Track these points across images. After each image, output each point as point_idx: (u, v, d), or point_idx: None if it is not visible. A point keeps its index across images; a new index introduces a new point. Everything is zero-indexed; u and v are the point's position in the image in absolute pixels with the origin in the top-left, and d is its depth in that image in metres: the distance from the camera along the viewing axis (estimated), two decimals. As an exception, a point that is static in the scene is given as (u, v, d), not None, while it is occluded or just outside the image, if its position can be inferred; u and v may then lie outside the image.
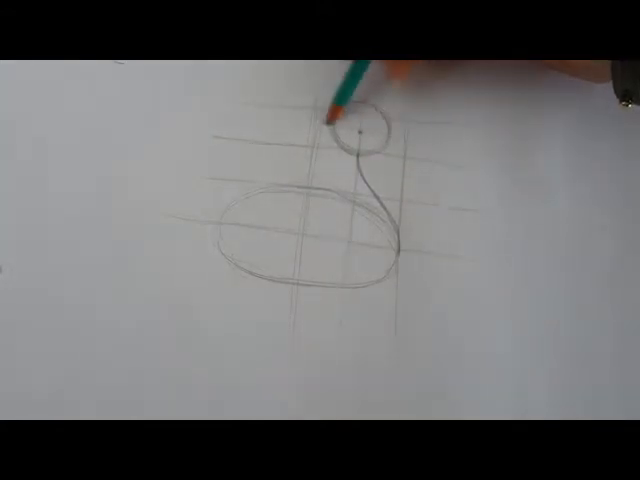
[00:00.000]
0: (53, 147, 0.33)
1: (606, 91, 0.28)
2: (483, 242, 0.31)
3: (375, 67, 0.32)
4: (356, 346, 0.30)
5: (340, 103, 0.33)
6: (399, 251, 0.31)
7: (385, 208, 0.32)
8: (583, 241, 0.31)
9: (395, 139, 0.33)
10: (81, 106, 0.34)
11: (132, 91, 0.35)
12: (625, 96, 0.27)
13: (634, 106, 0.27)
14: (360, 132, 0.33)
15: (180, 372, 0.30)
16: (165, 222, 0.32)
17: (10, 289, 0.31)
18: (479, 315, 0.30)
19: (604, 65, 0.27)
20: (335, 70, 0.34)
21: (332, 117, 0.33)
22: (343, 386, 0.29)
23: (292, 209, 0.32)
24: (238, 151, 0.33)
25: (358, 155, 0.33)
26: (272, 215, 0.32)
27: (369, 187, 0.32)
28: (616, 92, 0.27)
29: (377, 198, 0.32)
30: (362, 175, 0.33)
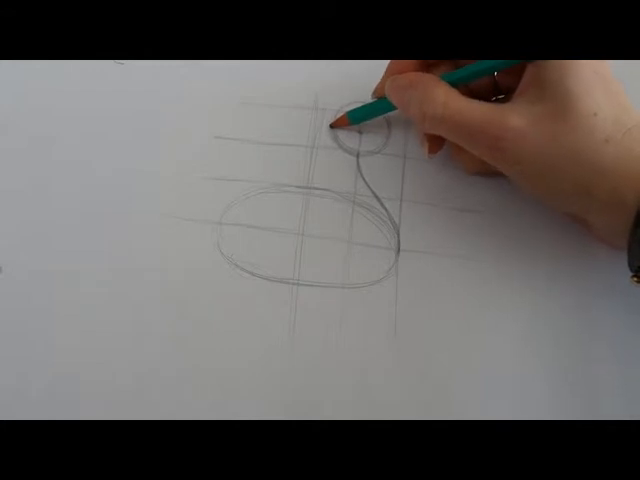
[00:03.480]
0: (53, 147, 0.33)
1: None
2: (483, 242, 0.31)
3: (372, 67, 0.32)
4: (356, 346, 0.30)
5: (353, 122, 0.33)
6: (399, 251, 0.31)
7: (385, 208, 0.32)
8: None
9: (395, 139, 0.33)
10: (81, 106, 0.34)
11: (132, 91, 0.35)
12: (638, 271, 0.27)
13: None
14: (360, 132, 0.33)
15: (180, 372, 0.30)
16: (165, 222, 0.32)
17: (10, 289, 0.31)
18: (479, 315, 0.30)
19: (619, 236, 0.27)
20: (335, 70, 0.34)
21: (337, 124, 0.33)
22: (343, 386, 0.29)
23: (292, 209, 0.32)
24: (238, 151, 0.33)
25: (358, 155, 0.33)
26: (272, 215, 0.32)
27: (369, 187, 0.32)
28: (630, 266, 0.27)
29: (377, 198, 0.32)
30: (362, 175, 0.33)
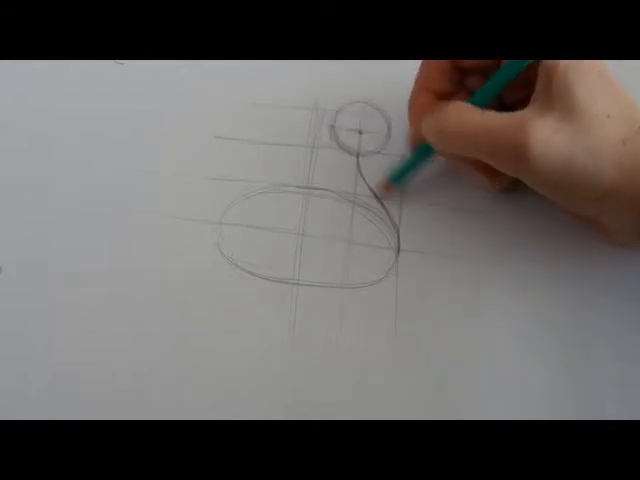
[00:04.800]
0: (53, 147, 0.33)
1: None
2: (483, 242, 0.31)
3: (372, 67, 0.32)
4: (356, 346, 0.30)
5: (398, 184, 0.32)
6: (399, 251, 0.31)
7: (385, 208, 0.32)
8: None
9: (395, 139, 0.33)
10: (81, 106, 0.34)
11: (132, 91, 0.35)
12: None
13: None
14: (360, 132, 0.33)
15: (180, 372, 0.30)
16: (165, 222, 0.32)
17: (10, 289, 0.31)
18: (479, 315, 0.30)
19: (632, 238, 0.27)
20: (335, 70, 0.34)
21: (387, 195, 0.32)
22: (343, 386, 0.29)
23: (292, 209, 0.32)
24: (238, 151, 0.33)
25: (358, 155, 0.33)
26: (272, 215, 0.32)
27: (369, 187, 0.32)
28: None
29: (377, 198, 0.32)
30: (362, 175, 0.33)
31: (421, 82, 0.30)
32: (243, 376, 0.29)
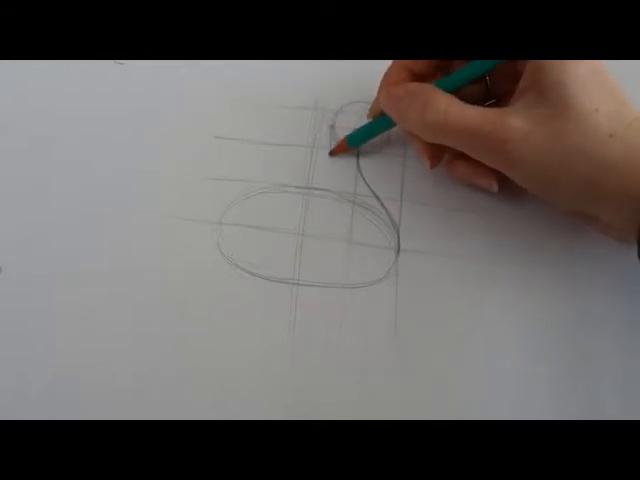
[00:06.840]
0: (53, 147, 0.33)
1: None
2: (483, 242, 0.31)
3: (372, 67, 0.32)
4: (356, 346, 0.30)
5: (352, 145, 0.33)
6: (399, 251, 0.31)
7: (385, 208, 0.32)
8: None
9: (395, 139, 0.33)
10: (81, 106, 0.34)
11: (132, 91, 0.35)
12: None
13: None
14: (360, 132, 0.33)
15: (180, 372, 0.30)
16: (165, 222, 0.32)
17: (10, 289, 0.31)
18: (479, 315, 0.30)
19: (629, 231, 0.27)
20: (335, 70, 0.34)
21: (337, 152, 0.33)
22: (343, 386, 0.29)
23: (292, 209, 0.32)
24: (238, 151, 0.33)
25: (358, 155, 0.33)
26: (272, 215, 0.32)
27: (369, 187, 0.32)
28: None
29: (377, 198, 0.32)
30: (362, 175, 0.33)
31: (402, 61, 0.31)
32: (243, 376, 0.29)
